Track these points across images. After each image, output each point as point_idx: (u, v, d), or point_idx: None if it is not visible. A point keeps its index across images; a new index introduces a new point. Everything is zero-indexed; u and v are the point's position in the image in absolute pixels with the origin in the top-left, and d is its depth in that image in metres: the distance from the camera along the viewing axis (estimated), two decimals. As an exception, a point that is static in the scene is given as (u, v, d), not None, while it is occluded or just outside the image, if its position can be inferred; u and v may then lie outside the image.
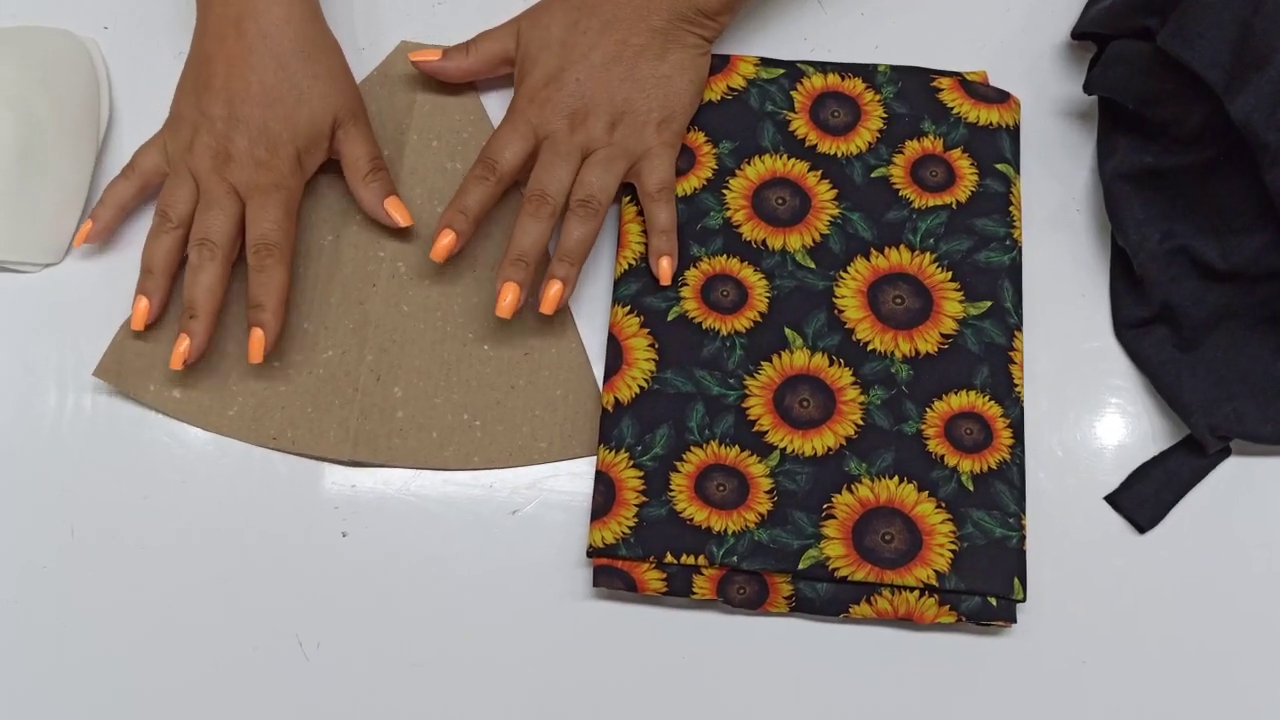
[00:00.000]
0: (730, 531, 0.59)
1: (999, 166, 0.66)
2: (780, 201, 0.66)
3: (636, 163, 0.65)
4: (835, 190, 0.66)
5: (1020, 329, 0.64)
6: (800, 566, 0.59)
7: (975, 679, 0.60)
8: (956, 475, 0.61)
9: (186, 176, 0.64)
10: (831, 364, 0.63)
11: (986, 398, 0.62)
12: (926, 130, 0.67)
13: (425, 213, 0.67)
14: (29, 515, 0.62)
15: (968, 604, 0.59)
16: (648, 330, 0.63)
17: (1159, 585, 0.61)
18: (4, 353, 0.65)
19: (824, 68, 0.69)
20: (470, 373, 0.64)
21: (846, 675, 0.60)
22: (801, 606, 0.59)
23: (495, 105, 0.70)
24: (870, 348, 0.63)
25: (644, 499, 0.60)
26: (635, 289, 0.64)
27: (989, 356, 0.63)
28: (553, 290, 0.62)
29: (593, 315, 0.66)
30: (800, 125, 0.68)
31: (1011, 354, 0.63)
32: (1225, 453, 0.63)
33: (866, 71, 0.69)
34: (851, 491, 0.60)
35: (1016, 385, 0.62)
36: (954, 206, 0.66)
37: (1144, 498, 0.62)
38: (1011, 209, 0.66)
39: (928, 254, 0.65)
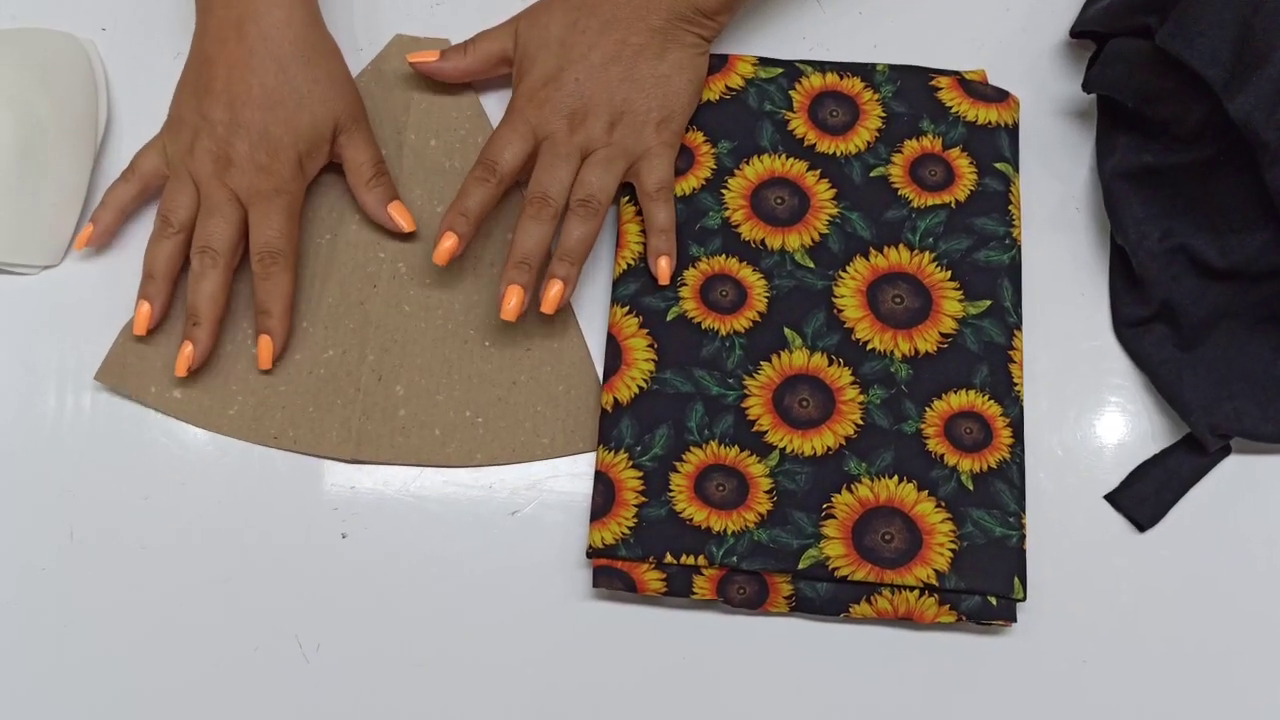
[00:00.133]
0: (730, 531, 0.59)
1: (998, 165, 0.66)
2: (779, 201, 0.66)
3: (635, 162, 0.65)
4: (834, 190, 0.66)
5: (1020, 328, 0.64)
6: (800, 566, 0.59)
7: (975, 678, 0.60)
8: (956, 474, 0.60)
9: (187, 180, 0.64)
10: (831, 363, 0.63)
11: (986, 397, 0.62)
12: (925, 129, 0.67)
13: (425, 212, 0.67)
14: (29, 516, 0.62)
15: (968, 603, 0.59)
16: (647, 330, 0.63)
17: (1159, 584, 0.61)
18: (4, 354, 0.65)
19: (822, 67, 0.69)
20: (472, 370, 0.64)
21: (847, 675, 0.60)
22: (801, 606, 0.59)
23: (493, 104, 0.70)
24: (870, 347, 0.63)
25: (643, 499, 0.60)
26: (634, 289, 0.64)
27: (988, 355, 0.63)
28: (554, 290, 0.62)
29: (592, 315, 0.66)
30: (799, 125, 0.68)
31: (1011, 353, 0.63)
32: (1225, 451, 0.63)
33: (865, 71, 0.69)
34: (851, 491, 0.60)
35: (1016, 384, 0.62)
36: (953, 205, 0.65)
37: (1144, 496, 0.62)
38: (1011, 208, 0.66)
39: (927, 253, 0.65)
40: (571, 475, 0.63)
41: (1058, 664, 0.60)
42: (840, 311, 0.64)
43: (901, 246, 0.65)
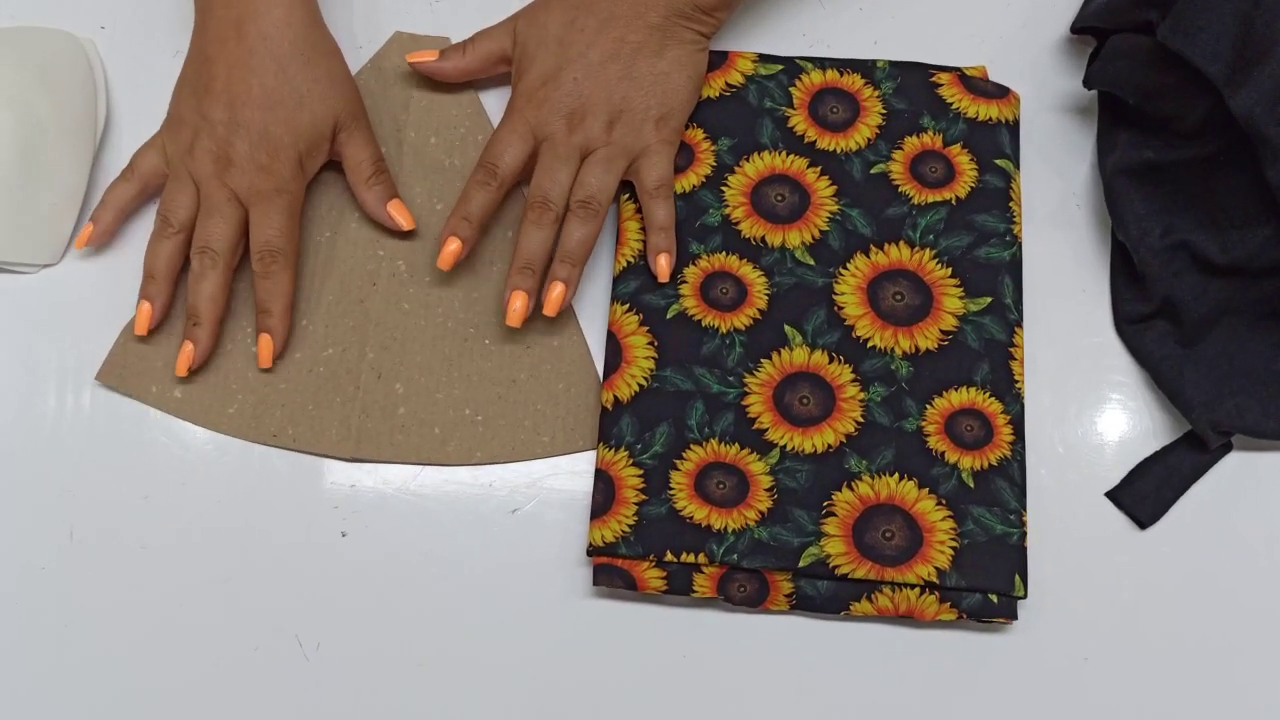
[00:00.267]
0: (730, 529, 0.59)
1: (999, 162, 0.66)
2: (779, 198, 0.66)
3: (635, 160, 0.64)
4: (834, 187, 0.66)
5: (1020, 325, 0.64)
6: (801, 564, 0.59)
7: (976, 676, 0.60)
8: (957, 472, 0.60)
9: (187, 180, 0.64)
10: (831, 361, 0.63)
11: (987, 394, 0.62)
12: (926, 126, 0.67)
13: (425, 210, 0.67)
14: (29, 515, 0.62)
15: (968, 601, 0.59)
16: (647, 328, 0.63)
17: (1160, 581, 0.61)
18: (4, 353, 0.65)
19: (823, 64, 0.69)
20: (472, 368, 0.64)
21: (847, 673, 0.60)
22: (802, 604, 0.59)
23: (492, 101, 0.70)
24: (870, 344, 0.63)
25: (644, 497, 0.60)
26: (634, 287, 0.64)
27: (989, 353, 0.63)
28: (555, 292, 0.62)
29: (592, 313, 0.66)
30: (799, 122, 0.68)
31: (1012, 350, 0.63)
32: (1227, 448, 0.63)
33: (865, 67, 0.69)
34: (852, 489, 0.60)
35: (1017, 381, 0.62)
36: (954, 202, 0.65)
37: (1145, 494, 0.62)
38: (1011, 204, 0.66)
39: (927, 250, 0.65)
40: (572, 473, 0.63)
41: (1059, 661, 0.60)
42: (841, 309, 0.64)
43: (902, 243, 0.65)
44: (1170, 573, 0.61)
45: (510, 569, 0.61)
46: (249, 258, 0.64)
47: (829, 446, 0.61)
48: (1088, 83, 0.66)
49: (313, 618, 0.60)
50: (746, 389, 0.62)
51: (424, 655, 0.60)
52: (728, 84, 0.68)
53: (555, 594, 0.61)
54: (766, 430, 0.61)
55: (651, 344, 0.63)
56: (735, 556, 0.59)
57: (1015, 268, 0.64)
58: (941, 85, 0.68)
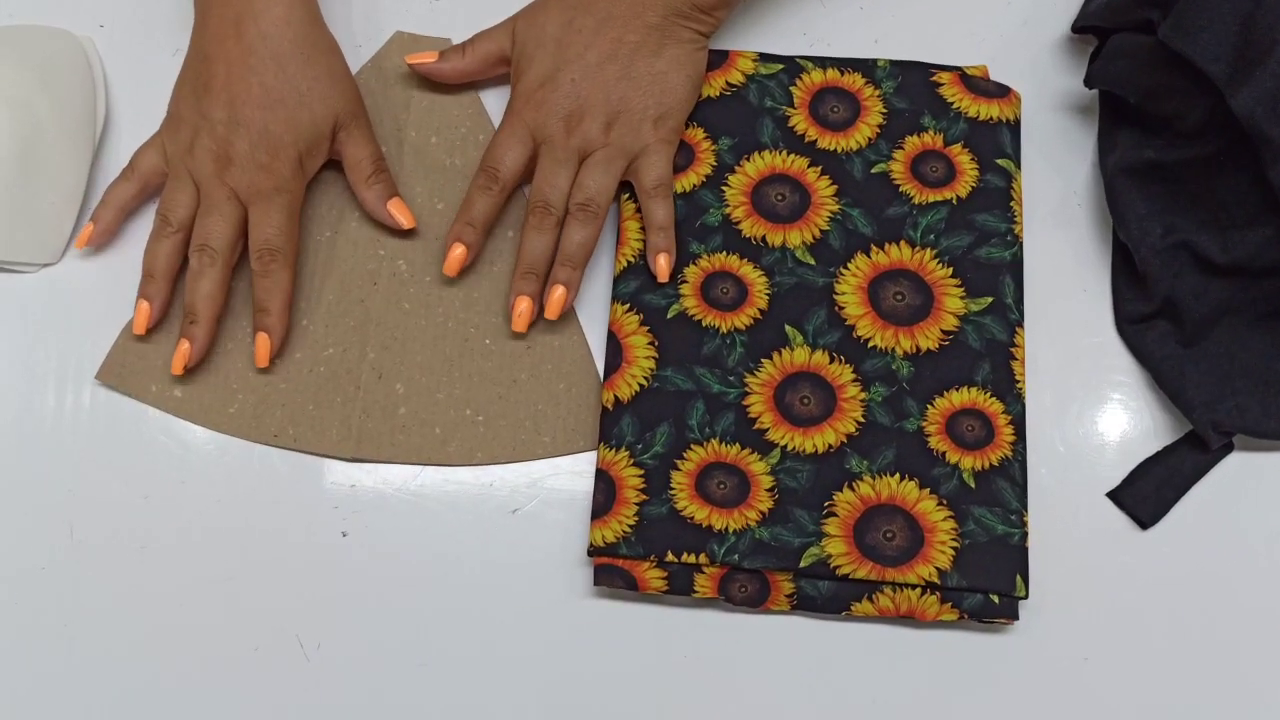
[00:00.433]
0: (731, 530, 0.59)
1: (999, 161, 0.66)
2: (780, 198, 0.66)
3: (634, 160, 0.64)
4: (835, 186, 0.66)
5: (1021, 325, 0.63)
6: (801, 564, 0.59)
7: (977, 676, 0.60)
8: (958, 472, 0.60)
9: (186, 179, 0.64)
10: (832, 361, 0.63)
11: (988, 394, 0.62)
12: (927, 125, 0.67)
13: (426, 210, 0.67)
14: (29, 515, 0.62)
15: (969, 601, 0.58)
16: (647, 328, 0.63)
17: (1161, 582, 0.61)
18: (4, 353, 0.65)
19: (823, 63, 0.69)
20: (472, 368, 0.64)
21: (848, 673, 0.60)
22: (803, 605, 0.59)
23: (493, 100, 0.70)
24: (871, 344, 0.63)
25: (644, 497, 0.60)
26: (634, 286, 0.64)
27: (990, 353, 0.63)
28: (556, 295, 0.62)
29: (592, 313, 0.66)
30: (800, 121, 0.67)
31: (1013, 350, 0.63)
32: (1228, 448, 0.63)
33: (866, 66, 0.69)
34: (853, 489, 0.60)
35: (1018, 381, 0.62)
36: (954, 202, 0.65)
37: (1146, 494, 0.62)
38: (1012, 204, 0.65)
39: (928, 250, 0.64)
40: (572, 473, 0.63)
41: (1060, 661, 0.60)
42: (841, 309, 0.64)
43: (903, 243, 0.65)
44: (1171, 573, 0.61)
45: (511, 569, 0.61)
46: (249, 257, 0.63)
47: (830, 446, 0.61)
48: (1089, 82, 0.66)
49: (313, 618, 0.60)
50: (747, 389, 0.62)
51: (425, 655, 0.60)
52: (728, 83, 0.68)
53: (556, 594, 0.61)
54: (767, 430, 0.61)
55: (652, 344, 0.63)
56: (736, 557, 0.59)
57: (1016, 267, 0.64)
58: (942, 84, 0.68)
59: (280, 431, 0.63)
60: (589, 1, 0.65)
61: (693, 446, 0.61)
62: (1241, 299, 0.63)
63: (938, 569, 0.58)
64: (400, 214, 0.65)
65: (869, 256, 0.65)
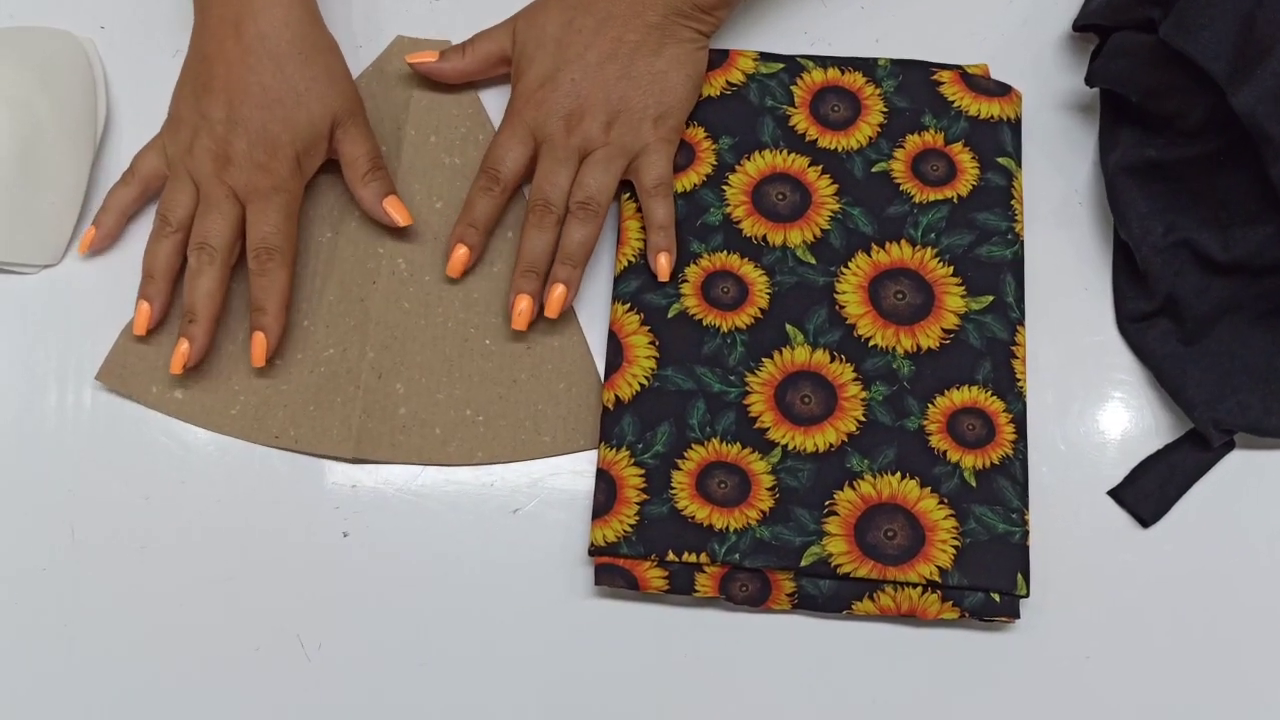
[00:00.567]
0: (732, 529, 0.59)
1: (1000, 160, 0.66)
2: (780, 197, 0.66)
3: (634, 159, 0.64)
4: (836, 185, 0.66)
5: (1022, 323, 0.63)
6: (802, 563, 0.59)
7: (979, 675, 0.60)
8: (959, 471, 0.60)
9: (186, 179, 0.64)
10: (833, 360, 0.63)
11: (989, 393, 0.62)
12: (927, 124, 0.67)
13: (424, 209, 0.67)
14: (29, 515, 0.62)
15: (971, 600, 0.58)
16: (648, 328, 0.63)
17: (1163, 580, 0.61)
18: (4, 353, 0.65)
19: (824, 62, 0.69)
20: (472, 368, 0.64)
21: (849, 672, 0.60)
22: (804, 604, 0.59)
23: (492, 99, 0.70)
24: (872, 343, 0.63)
25: (645, 497, 0.60)
26: (635, 286, 0.64)
27: (991, 351, 0.62)
28: (556, 293, 0.62)
29: (593, 313, 0.66)
30: (800, 120, 0.67)
31: (1014, 348, 0.63)
32: (1229, 446, 0.63)
33: (867, 65, 0.69)
34: (853, 488, 0.60)
35: (1019, 380, 0.62)
36: (955, 201, 0.65)
37: (1148, 492, 0.62)
38: (1013, 203, 0.65)
39: (929, 249, 0.64)
40: (573, 473, 0.63)
41: (1061, 660, 0.60)
42: (842, 308, 0.63)
43: (904, 242, 0.65)
44: (1173, 571, 0.61)
45: (511, 569, 0.61)
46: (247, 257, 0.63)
47: (830, 446, 0.61)
48: (1090, 80, 0.66)
49: (314, 618, 0.60)
50: (748, 388, 0.62)
51: (426, 655, 0.60)
52: (729, 82, 0.68)
53: (557, 594, 0.61)
54: (768, 429, 0.61)
55: (653, 343, 0.63)
56: (737, 556, 0.59)
57: (1017, 266, 0.64)
58: (943, 83, 0.68)
59: (281, 433, 0.63)
60: (589, 1, 0.65)
61: (693, 446, 0.61)
62: (1243, 297, 0.63)
63: (939, 568, 0.58)
64: (396, 212, 0.65)
65: (870, 255, 0.65)
